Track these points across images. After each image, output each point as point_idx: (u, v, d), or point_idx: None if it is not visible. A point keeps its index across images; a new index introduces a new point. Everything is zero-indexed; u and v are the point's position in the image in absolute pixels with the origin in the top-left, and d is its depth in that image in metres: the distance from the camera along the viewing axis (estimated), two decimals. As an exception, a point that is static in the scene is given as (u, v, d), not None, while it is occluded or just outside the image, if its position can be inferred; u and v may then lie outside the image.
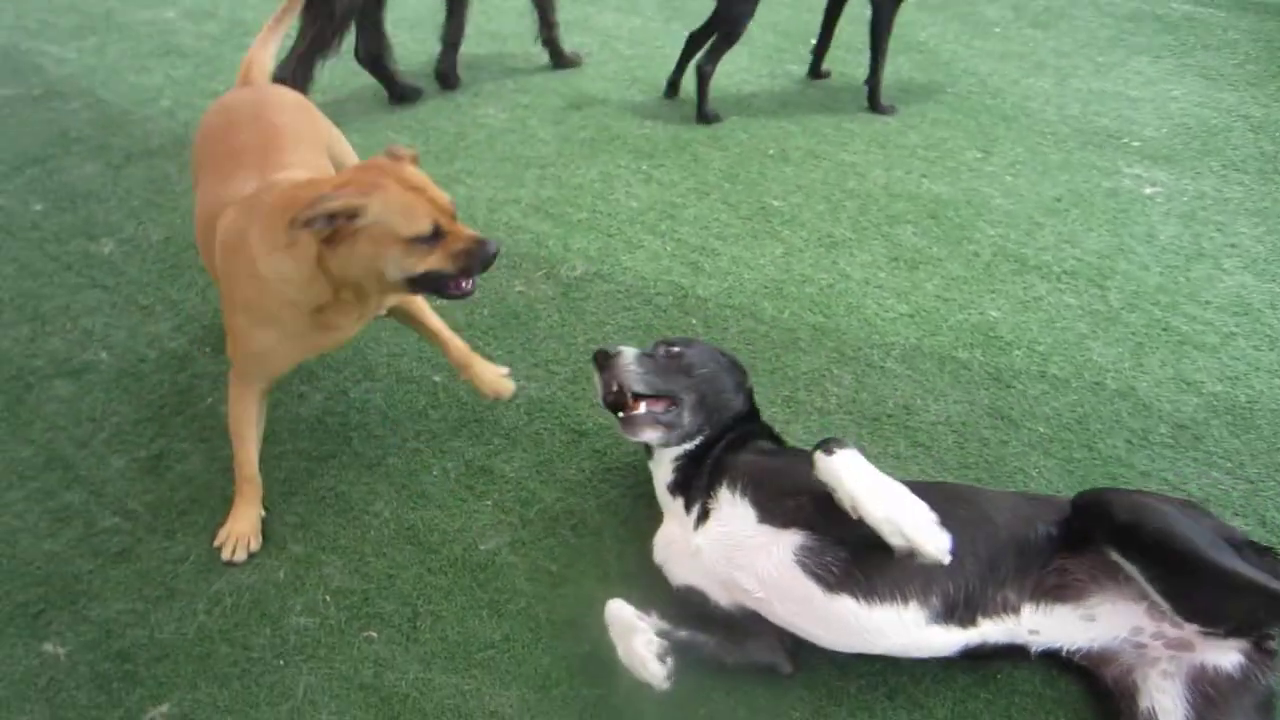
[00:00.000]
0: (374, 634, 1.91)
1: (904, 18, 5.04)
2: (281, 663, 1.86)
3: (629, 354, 2.02)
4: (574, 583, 2.03)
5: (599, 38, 4.80)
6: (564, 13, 5.06)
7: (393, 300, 2.14)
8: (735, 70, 4.47)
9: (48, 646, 1.88)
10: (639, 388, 1.97)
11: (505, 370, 2.43)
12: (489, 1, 5.20)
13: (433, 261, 1.83)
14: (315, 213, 1.72)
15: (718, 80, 4.34)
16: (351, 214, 1.75)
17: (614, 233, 3.22)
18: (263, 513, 2.14)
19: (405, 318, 2.31)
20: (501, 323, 2.78)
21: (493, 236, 3.05)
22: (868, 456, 1.71)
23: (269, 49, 2.52)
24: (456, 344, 2.36)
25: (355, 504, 2.20)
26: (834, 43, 4.62)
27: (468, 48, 4.62)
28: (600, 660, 1.87)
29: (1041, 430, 2.49)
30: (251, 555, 2.07)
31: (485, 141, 3.78)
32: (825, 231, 3.28)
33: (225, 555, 2.06)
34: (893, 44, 4.74)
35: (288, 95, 2.41)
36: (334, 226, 1.75)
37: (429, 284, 1.89)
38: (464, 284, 1.92)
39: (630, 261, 3.07)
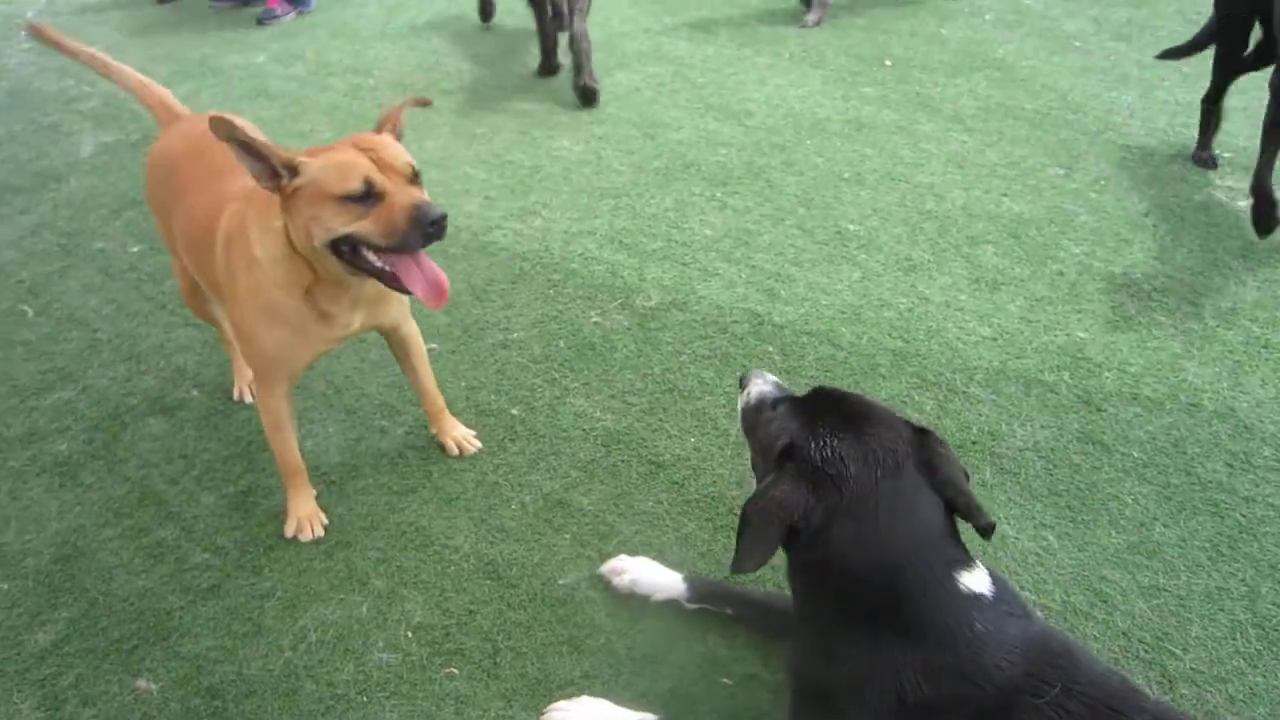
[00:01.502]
0: (455, 670, 1.92)
1: (980, 34, 4.98)
2: (365, 700, 1.87)
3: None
4: (654, 617, 2.00)
5: (672, 66, 4.82)
6: (637, 42, 5.15)
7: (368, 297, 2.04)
8: (809, 94, 4.44)
9: (141, 683, 1.92)
10: None
11: (473, 433, 2.48)
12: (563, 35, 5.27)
13: (360, 225, 1.74)
14: (248, 137, 1.71)
15: (790, 104, 4.33)
16: (291, 168, 1.74)
17: (689, 261, 3.21)
18: (314, 493, 2.30)
19: (398, 351, 2.30)
20: (578, 354, 2.78)
21: (567, 268, 3.13)
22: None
23: (143, 78, 2.47)
24: (434, 395, 2.40)
25: (436, 538, 2.21)
26: (912, 63, 4.58)
27: (540, 82, 4.69)
28: (684, 696, 1.85)
29: (1136, 455, 2.39)
30: (326, 530, 2.24)
31: (560, 174, 3.81)
32: (903, 255, 3.22)
33: (304, 536, 2.22)
34: (968, 61, 4.69)
35: (244, 121, 2.38)
36: (280, 179, 1.75)
37: (364, 263, 1.80)
38: (401, 272, 1.80)
39: (705, 290, 3.05)
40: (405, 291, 1.83)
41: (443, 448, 2.44)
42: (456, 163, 3.92)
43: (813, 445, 1.47)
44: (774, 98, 4.41)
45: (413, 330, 2.27)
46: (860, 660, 1.45)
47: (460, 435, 2.44)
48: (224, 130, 1.70)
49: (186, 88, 4.83)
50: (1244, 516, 2.22)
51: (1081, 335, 2.82)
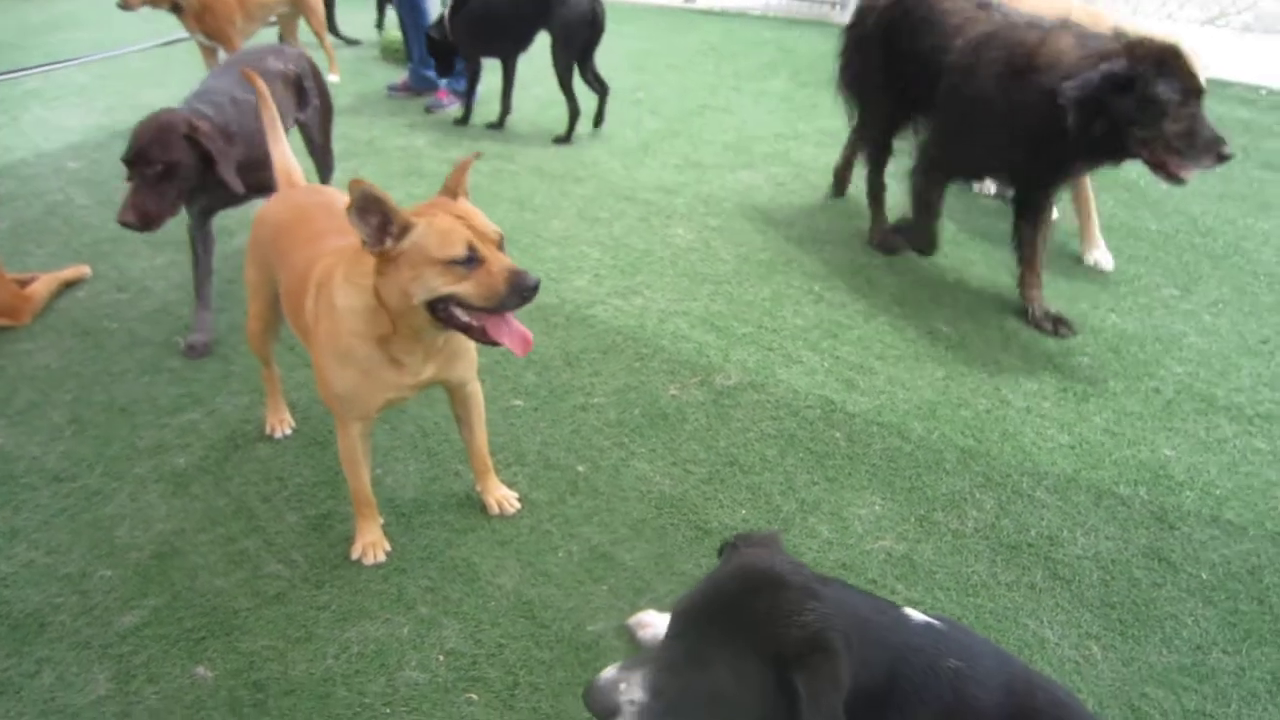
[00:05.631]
0: (475, 696, 2.02)
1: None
2: (389, 712, 1.99)
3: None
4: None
5: (794, 168, 4.99)
6: (766, 145, 5.35)
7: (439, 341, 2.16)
8: (926, 201, 4.50)
9: (200, 669, 2.11)
10: None
11: (516, 495, 2.60)
12: (697, 136, 5.55)
13: (462, 287, 1.90)
14: (379, 204, 1.85)
15: (903, 210, 4.40)
16: (404, 228, 1.89)
17: (774, 347, 3.30)
18: (381, 521, 2.48)
19: (459, 408, 2.43)
20: (650, 422, 2.90)
21: (657, 344, 3.28)
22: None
23: (287, 152, 2.75)
24: (483, 456, 2.53)
25: (483, 575, 2.34)
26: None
27: (668, 174, 4.94)
28: (681, 751, 1.88)
29: (1204, 577, 2.29)
30: (387, 556, 2.42)
31: (669, 258, 4.00)
32: (992, 358, 3.20)
33: (367, 560, 2.40)
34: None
35: (344, 195, 2.60)
36: (385, 242, 1.90)
37: (454, 319, 1.95)
38: (490, 328, 1.95)
39: (785, 375, 3.13)
40: (493, 344, 1.98)
41: (484, 506, 2.57)
42: (575, 242, 4.17)
43: (784, 637, 1.33)
44: (889, 203, 4.48)
45: (477, 390, 2.43)
46: None
47: (502, 495, 2.58)
48: (359, 192, 1.84)
49: (352, 164, 5.33)
50: (1317, 653, 2.09)
51: (1168, 453, 2.73)
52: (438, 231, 1.90)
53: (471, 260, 1.90)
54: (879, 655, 1.39)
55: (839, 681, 1.30)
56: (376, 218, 1.89)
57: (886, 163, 4.14)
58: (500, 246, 1.98)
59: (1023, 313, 3.45)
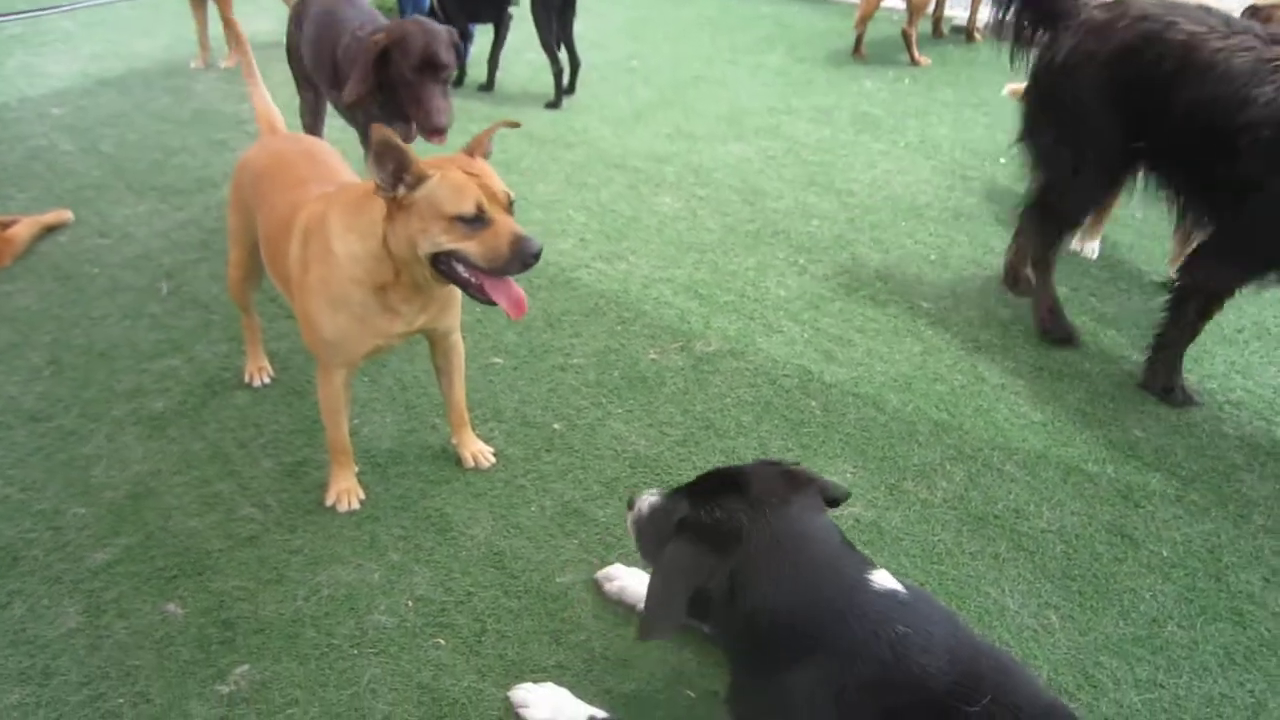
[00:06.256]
0: (442, 641, 2.04)
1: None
2: (355, 652, 2.02)
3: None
4: (634, 625, 2.08)
5: (786, 143, 4.99)
6: (759, 119, 5.35)
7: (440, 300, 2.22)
8: (915, 181, 4.52)
9: (170, 606, 2.13)
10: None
11: (491, 450, 2.61)
12: (690, 107, 5.54)
13: (466, 245, 1.92)
14: (398, 153, 1.87)
15: (893, 188, 4.42)
16: (419, 178, 1.90)
17: (755, 316, 3.32)
18: (356, 469, 2.49)
19: (440, 359, 2.45)
20: (628, 384, 2.92)
21: (639, 309, 3.29)
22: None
23: (267, 99, 2.76)
24: (461, 408, 2.54)
25: (456, 525, 2.36)
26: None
27: (659, 143, 4.93)
28: (645, 700, 1.92)
29: (1165, 554, 2.33)
30: (361, 504, 2.44)
31: (655, 226, 4.01)
32: (971, 335, 3.23)
33: (341, 507, 2.42)
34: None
35: (324, 143, 2.66)
36: (399, 189, 1.91)
37: (454, 274, 1.98)
38: (488, 287, 1.98)
39: (765, 344, 3.15)
40: (490, 302, 2.01)
41: (459, 459, 2.59)
42: (562, 206, 4.17)
43: (703, 512, 1.57)
44: (879, 180, 4.51)
45: (459, 342, 2.44)
46: (805, 694, 1.47)
47: (477, 449, 2.59)
48: (379, 137, 1.86)
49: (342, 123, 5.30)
50: (1269, 631, 2.14)
51: (1138, 434, 2.77)
52: (450, 186, 1.91)
53: (479, 220, 1.91)
54: (805, 591, 1.48)
55: (685, 564, 1.54)
56: (392, 164, 1.90)
57: (1069, 237, 3.43)
58: (509, 209, 1.99)
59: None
